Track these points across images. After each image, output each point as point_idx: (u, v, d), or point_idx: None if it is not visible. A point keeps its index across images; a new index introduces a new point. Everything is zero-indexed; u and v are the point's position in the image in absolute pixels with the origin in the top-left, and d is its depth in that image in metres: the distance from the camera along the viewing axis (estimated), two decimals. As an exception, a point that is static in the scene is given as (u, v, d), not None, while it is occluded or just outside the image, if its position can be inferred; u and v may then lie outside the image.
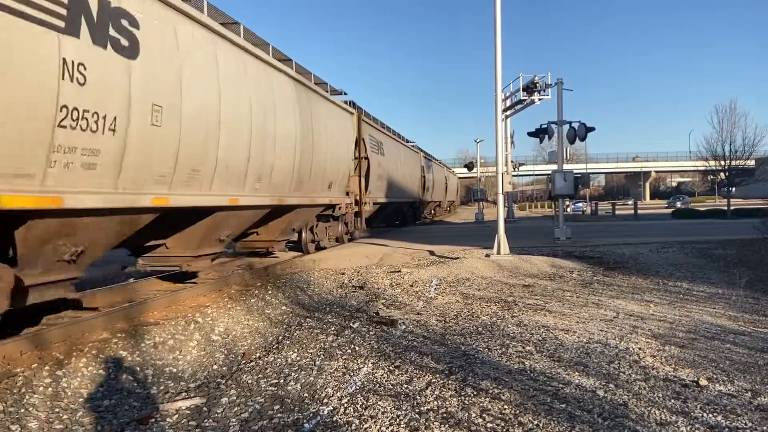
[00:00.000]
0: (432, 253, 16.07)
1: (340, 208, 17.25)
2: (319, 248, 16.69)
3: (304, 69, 14.32)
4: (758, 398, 5.02)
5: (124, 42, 6.86)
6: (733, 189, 38.42)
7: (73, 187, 6.26)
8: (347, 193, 18.07)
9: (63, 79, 5.89)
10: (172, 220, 8.92)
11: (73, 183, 6.28)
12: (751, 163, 39.57)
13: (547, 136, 21.48)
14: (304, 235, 15.66)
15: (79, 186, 6.36)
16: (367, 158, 20.38)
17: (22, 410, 4.98)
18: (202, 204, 9.07)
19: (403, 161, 29.45)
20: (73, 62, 6.01)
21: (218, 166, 9.20)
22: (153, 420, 5.06)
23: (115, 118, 6.69)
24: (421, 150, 38.50)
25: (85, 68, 6.18)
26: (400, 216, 33.24)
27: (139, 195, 7.37)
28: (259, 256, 15.57)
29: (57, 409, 5.16)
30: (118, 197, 7.00)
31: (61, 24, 5.89)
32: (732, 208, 35.71)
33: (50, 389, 5.44)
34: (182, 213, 8.87)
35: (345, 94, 18.59)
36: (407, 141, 33.89)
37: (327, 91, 16.08)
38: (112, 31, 6.64)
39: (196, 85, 8.46)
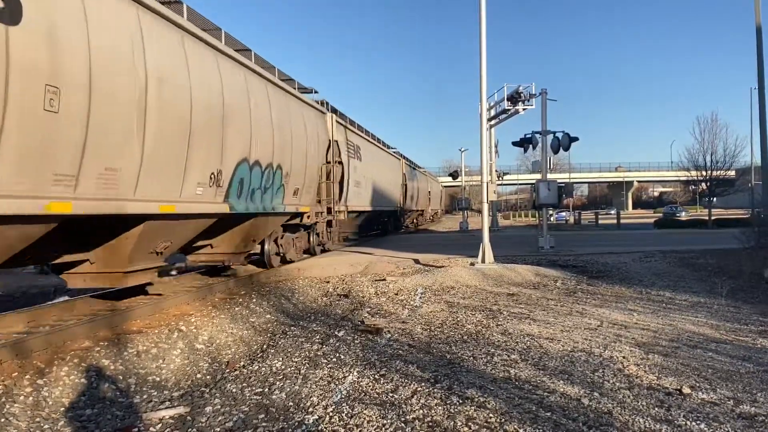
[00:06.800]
0: (417, 261, 16.08)
1: (308, 217, 15.69)
2: (285, 261, 15.08)
3: (267, 62, 13.33)
4: (740, 406, 5.07)
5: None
6: (715, 199, 38.93)
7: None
8: (318, 201, 16.73)
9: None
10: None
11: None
12: (732, 173, 40.14)
13: (531, 146, 21.63)
14: (267, 247, 14.11)
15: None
16: (341, 163, 18.63)
17: (2, 420, 4.90)
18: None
19: (383, 167, 27.85)
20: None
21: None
22: (136, 430, 5.01)
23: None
24: (404, 156, 37.43)
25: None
26: (380, 225, 32.22)
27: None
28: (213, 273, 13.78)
29: (38, 419, 5.09)
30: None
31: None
32: (713, 218, 36.14)
33: (31, 398, 5.37)
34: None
35: (316, 92, 16.97)
36: (388, 146, 32.42)
37: (294, 87, 15.02)
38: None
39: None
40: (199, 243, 11.85)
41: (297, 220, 15.29)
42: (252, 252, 13.74)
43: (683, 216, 57.03)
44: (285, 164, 13.31)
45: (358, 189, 21.94)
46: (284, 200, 13.68)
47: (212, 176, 9.83)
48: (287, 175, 13.57)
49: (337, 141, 18.14)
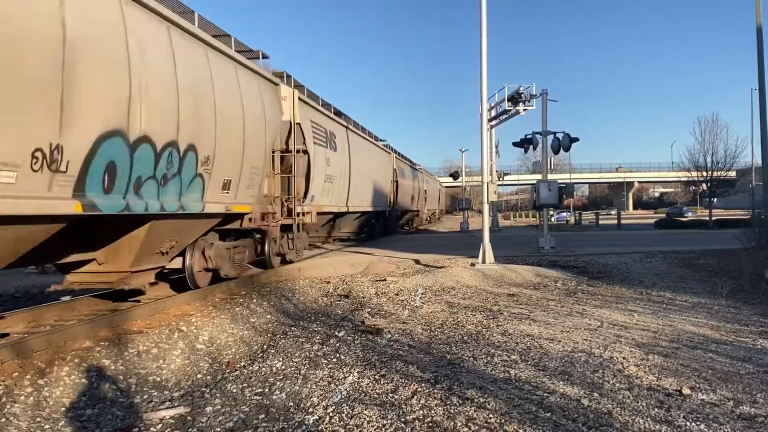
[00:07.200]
0: (417, 262, 16.09)
1: (251, 219, 11.92)
2: (218, 279, 11.23)
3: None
4: (740, 407, 5.07)
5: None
6: (715, 200, 38.94)
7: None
8: (271, 200, 12.93)
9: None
10: None
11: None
12: (733, 174, 40.15)
13: (531, 146, 21.63)
14: (189, 260, 10.48)
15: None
16: (306, 152, 14.90)
17: (3, 420, 4.91)
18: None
19: (367, 161, 23.71)
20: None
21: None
22: (136, 430, 5.02)
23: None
24: (395, 150, 33.41)
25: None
26: (367, 228, 28.22)
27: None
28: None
29: (39, 419, 5.09)
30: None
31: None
32: (714, 218, 36.12)
33: (32, 398, 5.37)
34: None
35: (266, 57, 13.29)
36: (377, 138, 28.31)
37: (230, 46, 11.23)
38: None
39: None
40: (75, 258, 8.44)
41: (237, 224, 11.75)
42: (169, 268, 10.40)
43: (690, 216, 56.77)
44: (203, 145, 9.46)
45: (332, 185, 18.00)
46: (205, 196, 9.88)
47: (39, 154, 6.07)
48: (208, 161, 9.69)
49: (300, 124, 14.52)
